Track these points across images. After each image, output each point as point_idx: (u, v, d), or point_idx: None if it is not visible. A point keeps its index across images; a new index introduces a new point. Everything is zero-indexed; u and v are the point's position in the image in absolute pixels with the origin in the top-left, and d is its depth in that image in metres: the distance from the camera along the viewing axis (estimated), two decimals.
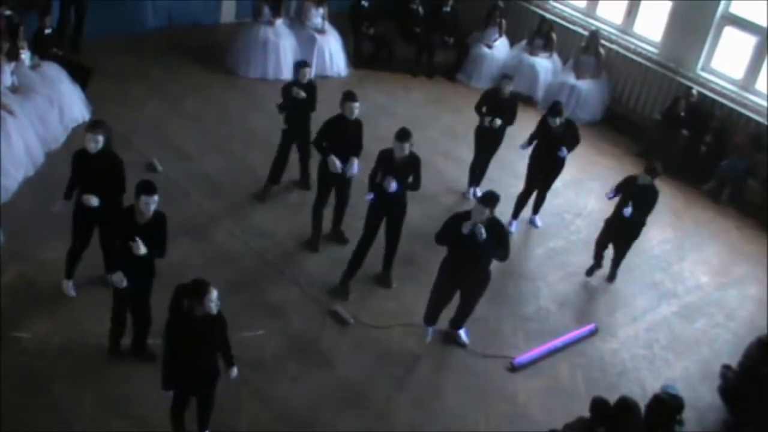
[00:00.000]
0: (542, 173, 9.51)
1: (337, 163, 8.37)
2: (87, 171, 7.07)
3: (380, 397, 7.20)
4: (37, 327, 7.18)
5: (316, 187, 8.77)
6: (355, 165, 8.47)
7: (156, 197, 6.32)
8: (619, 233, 8.91)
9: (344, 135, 8.42)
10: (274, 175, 9.51)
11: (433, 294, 7.72)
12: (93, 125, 7.11)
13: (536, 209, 9.94)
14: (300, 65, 9.19)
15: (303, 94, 8.98)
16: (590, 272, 9.17)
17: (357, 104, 8.35)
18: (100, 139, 6.97)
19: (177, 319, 5.70)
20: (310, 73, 9.27)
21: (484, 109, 9.77)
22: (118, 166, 7.20)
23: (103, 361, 6.96)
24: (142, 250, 6.35)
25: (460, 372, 7.67)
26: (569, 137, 9.31)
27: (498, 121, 9.64)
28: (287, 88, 9.14)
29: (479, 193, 9.87)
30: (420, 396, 7.31)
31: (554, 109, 9.21)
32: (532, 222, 10.01)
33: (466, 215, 7.17)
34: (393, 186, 7.84)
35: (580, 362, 8.04)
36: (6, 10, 9.89)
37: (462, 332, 7.96)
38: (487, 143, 9.94)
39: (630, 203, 8.59)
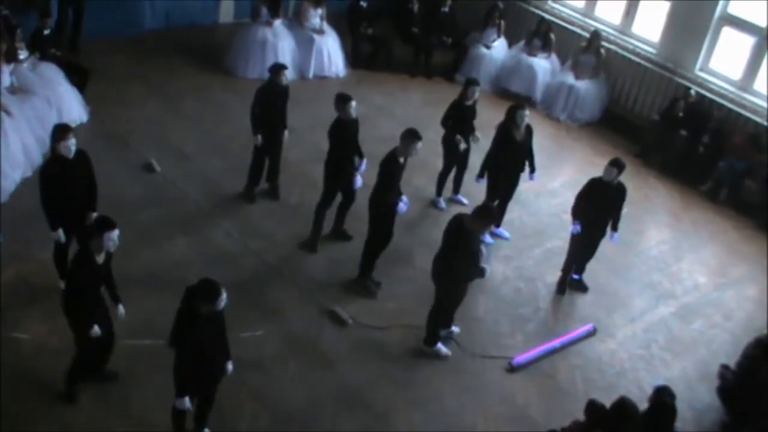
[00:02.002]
0: (505, 183, 9.32)
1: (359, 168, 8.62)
2: (66, 179, 6.99)
3: (379, 398, 7.21)
4: (36, 327, 7.19)
5: (323, 189, 8.77)
6: (364, 164, 8.64)
7: (117, 230, 6.13)
8: (590, 243, 8.72)
9: (348, 136, 8.49)
10: (253, 177, 9.51)
11: (454, 304, 7.75)
12: (64, 130, 6.99)
13: (498, 221, 9.58)
14: (280, 67, 9.12)
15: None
16: (564, 290, 9.00)
17: (354, 103, 8.41)
18: (75, 140, 6.97)
19: (187, 320, 5.72)
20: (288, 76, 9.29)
21: (449, 122, 9.62)
22: (89, 161, 7.24)
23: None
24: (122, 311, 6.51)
25: (459, 372, 7.68)
26: (528, 146, 9.16)
27: (478, 137, 9.64)
28: (264, 90, 9.10)
29: (443, 204, 10.00)
30: (419, 396, 7.32)
31: (515, 108, 9.03)
32: (497, 235, 9.64)
33: (462, 227, 7.22)
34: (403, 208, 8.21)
35: (578, 363, 8.06)
36: (4, 9, 9.90)
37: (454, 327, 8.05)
38: (457, 155, 9.79)
39: (595, 209, 8.45)
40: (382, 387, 7.33)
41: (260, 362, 7.27)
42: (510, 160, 9.15)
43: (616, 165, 8.36)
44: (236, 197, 9.49)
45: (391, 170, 7.94)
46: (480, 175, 9.38)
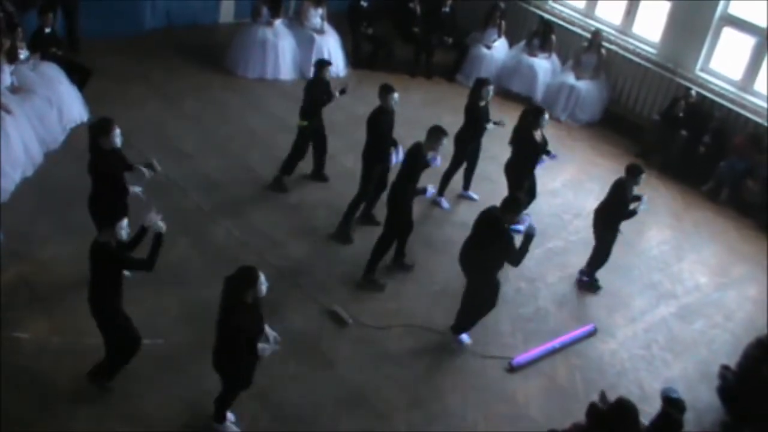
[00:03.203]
0: (528, 182, 9.46)
1: (395, 155, 8.79)
2: (120, 170, 7.26)
3: (379, 398, 7.20)
4: (36, 327, 7.17)
5: (362, 180, 8.90)
6: (400, 150, 8.81)
7: (126, 219, 6.30)
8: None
9: (387, 125, 8.73)
10: (289, 168, 9.69)
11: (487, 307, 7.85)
12: (109, 122, 7.12)
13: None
14: (325, 63, 9.47)
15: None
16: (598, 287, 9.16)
17: (397, 95, 8.81)
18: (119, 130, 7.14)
19: (231, 310, 5.82)
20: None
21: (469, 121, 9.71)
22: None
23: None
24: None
25: (459, 372, 7.68)
26: (544, 144, 9.34)
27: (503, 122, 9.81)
28: (312, 84, 9.36)
29: (445, 203, 10.01)
30: (419, 396, 7.31)
31: (540, 111, 9.29)
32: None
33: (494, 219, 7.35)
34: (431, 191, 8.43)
35: (578, 363, 8.05)
36: (9, 6, 9.89)
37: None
38: (466, 154, 9.86)
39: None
40: (382, 387, 7.32)
41: (261, 362, 7.25)
42: (532, 160, 9.32)
43: (642, 172, 8.61)
44: (237, 196, 9.48)
45: (417, 161, 8.09)
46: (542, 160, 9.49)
